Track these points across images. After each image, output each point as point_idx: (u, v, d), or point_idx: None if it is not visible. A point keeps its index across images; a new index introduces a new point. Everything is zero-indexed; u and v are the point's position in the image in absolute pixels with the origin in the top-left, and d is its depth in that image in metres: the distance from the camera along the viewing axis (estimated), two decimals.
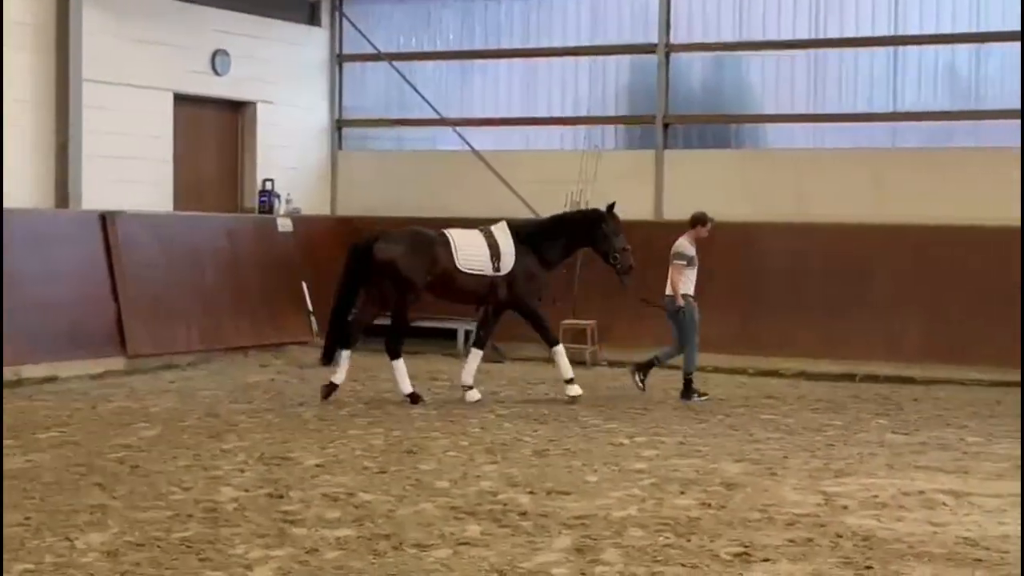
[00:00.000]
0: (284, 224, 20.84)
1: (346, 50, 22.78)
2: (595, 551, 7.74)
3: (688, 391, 15.52)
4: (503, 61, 22.23)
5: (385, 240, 14.93)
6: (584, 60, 21.73)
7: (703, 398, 15.42)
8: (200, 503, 9.10)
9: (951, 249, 18.60)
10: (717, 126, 21.20)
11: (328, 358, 14.97)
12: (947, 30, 19.56)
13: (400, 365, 14.76)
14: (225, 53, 20.47)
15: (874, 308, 18.73)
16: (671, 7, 20.93)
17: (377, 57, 22.36)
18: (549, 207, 20.31)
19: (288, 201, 21.34)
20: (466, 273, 14.90)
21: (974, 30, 19.44)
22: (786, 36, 20.44)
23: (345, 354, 14.73)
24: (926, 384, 17.06)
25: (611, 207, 15.51)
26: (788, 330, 18.78)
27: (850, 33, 20.09)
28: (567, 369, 15.24)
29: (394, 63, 22.29)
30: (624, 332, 19.03)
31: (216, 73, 20.42)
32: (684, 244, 15.76)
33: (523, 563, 7.47)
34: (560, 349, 15.40)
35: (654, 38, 21.04)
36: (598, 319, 19.66)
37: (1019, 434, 12.99)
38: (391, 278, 14.70)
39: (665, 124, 21.03)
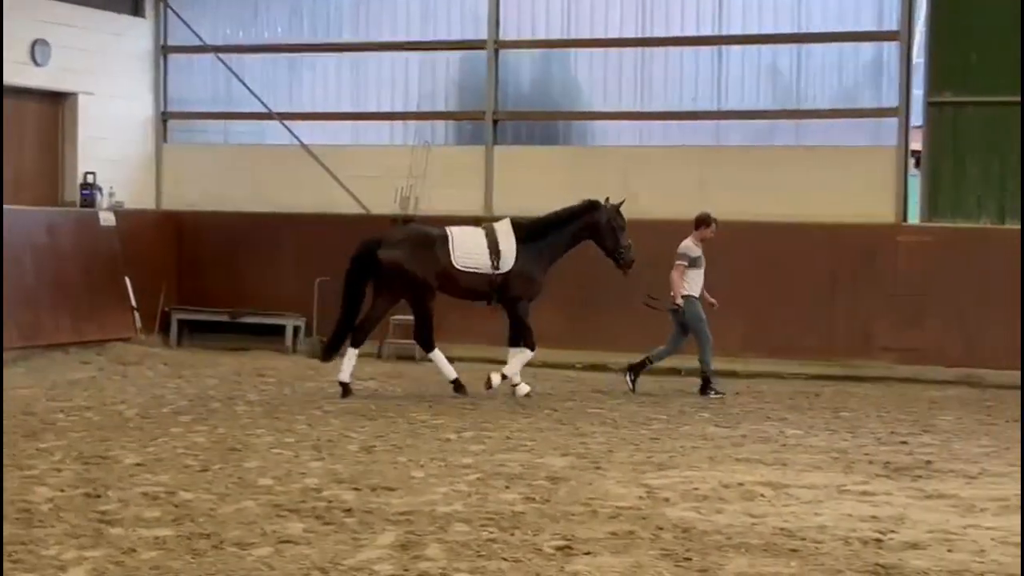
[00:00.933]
0: (106, 218, 20.39)
1: (171, 41, 22.37)
2: (419, 547, 7.71)
3: (706, 387, 15.70)
4: (332, 55, 22.06)
5: (388, 243, 15.21)
6: (414, 55, 21.66)
7: (719, 395, 15.55)
8: (14, 503, 8.84)
9: (773, 245, 18.98)
10: (546, 123, 21.33)
11: (328, 356, 15.35)
12: (769, 30, 19.94)
13: (437, 355, 15.28)
14: (45, 43, 19.95)
15: None
16: (500, 4, 20.99)
17: (203, 49, 22.03)
18: (379, 202, 20.30)
19: (111, 195, 20.89)
20: (463, 271, 15.10)
21: (795, 31, 19.84)
22: (613, 34, 20.64)
23: (353, 352, 15.00)
24: (748, 378, 17.39)
25: (607, 200, 15.62)
26: (616, 325, 18.96)
27: (675, 32, 20.36)
28: (516, 373, 15.36)
29: (221, 56, 21.98)
30: (457, 326, 19.01)
31: (36, 63, 19.89)
32: (688, 245, 15.89)
33: (346, 560, 7.41)
34: (528, 355, 15.37)
35: (483, 34, 21.07)
36: None
37: (837, 426, 13.31)
38: (401, 279, 15.06)
39: (495, 120, 21.08)
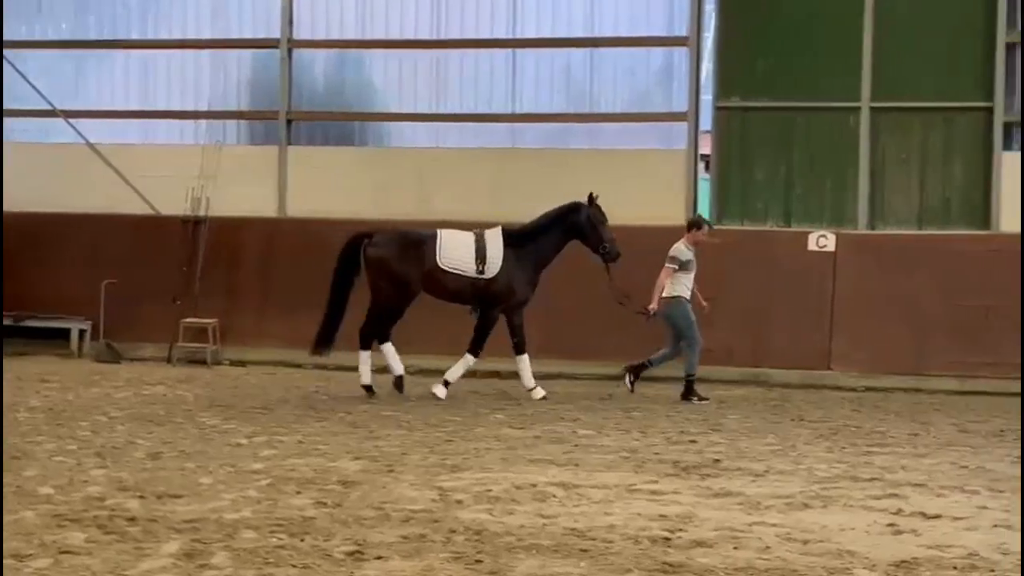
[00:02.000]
0: None
1: None
2: (204, 555, 7.52)
3: (689, 392, 15.63)
4: (119, 52, 21.55)
5: (378, 238, 15.46)
6: (205, 53, 21.30)
7: (703, 401, 15.47)
8: None
9: (569, 248, 19.12)
10: (341, 123, 21.18)
11: (321, 347, 15.53)
12: (563, 34, 20.12)
13: (389, 348, 15.48)
14: None
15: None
16: (293, 3, 20.79)
17: None
18: (169, 202, 19.88)
19: None
20: (447, 272, 15.25)
21: (588, 35, 20.06)
22: (408, 35, 20.62)
23: (388, 347, 15.43)
24: (543, 379, 17.46)
25: (590, 197, 15.75)
26: (413, 326, 18.89)
27: (470, 34, 20.42)
28: (529, 378, 15.69)
29: (2, 51, 21.28)
30: (247, 330, 18.74)
31: None
32: (680, 248, 15.78)
33: (128, 571, 7.18)
34: (526, 358, 15.69)
35: (277, 33, 20.84)
36: (220, 318, 19.31)
37: (628, 426, 13.46)
38: (385, 276, 15.28)
39: (288, 120, 20.85)
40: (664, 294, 15.65)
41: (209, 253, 19.17)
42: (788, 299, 18.55)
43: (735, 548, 7.79)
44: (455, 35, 20.51)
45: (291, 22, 20.80)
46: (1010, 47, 18.53)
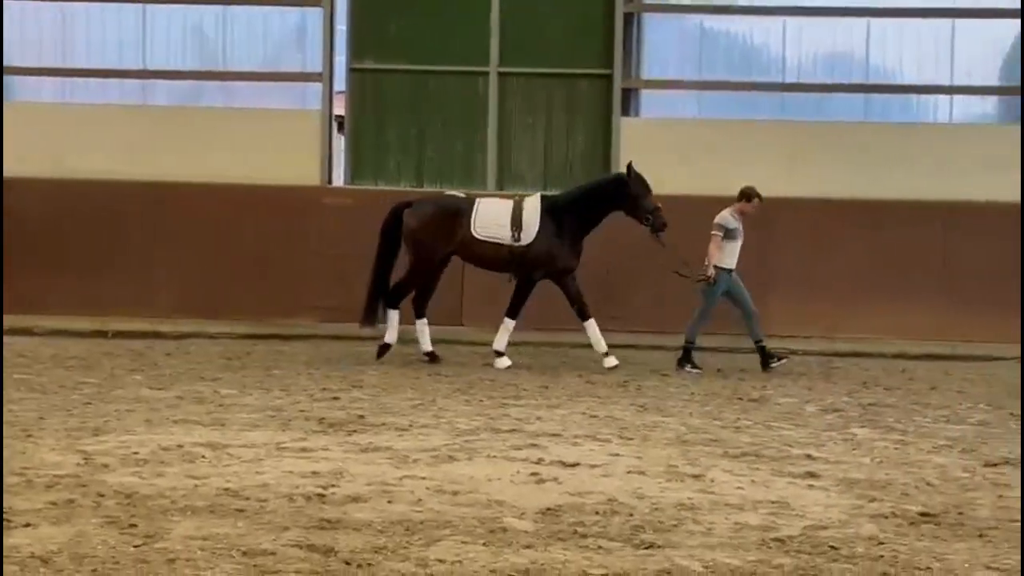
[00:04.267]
0: None
1: None
2: None
3: (686, 358, 15.15)
4: None
5: (416, 206, 15.35)
6: None
7: (695, 370, 15.01)
8: None
9: (204, 205, 18.75)
10: None
11: (368, 321, 15.36)
12: None
13: (395, 317, 15.33)
14: None
15: (129, 265, 18.54)
16: None
17: None
18: None
19: None
20: (482, 240, 15.00)
21: None
22: None
23: (394, 314, 15.22)
24: (177, 339, 17.10)
25: (630, 167, 15.15)
26: (42, 286, 18.18)
27: None
28: (600, 343, 15.23)
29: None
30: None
31: None
32: (725, 216, 15.12)
33: None
34: (593, 323, 15.25)
35: None
36: None
37: (271, 384, 13.32)
38: (413, 243, 15.19)
39: None
40: (707, 262, 15.24)
41: None
42: None
43: (389, 502, 7.83)
44: None
45: None
46: (628, 17, 19.19)
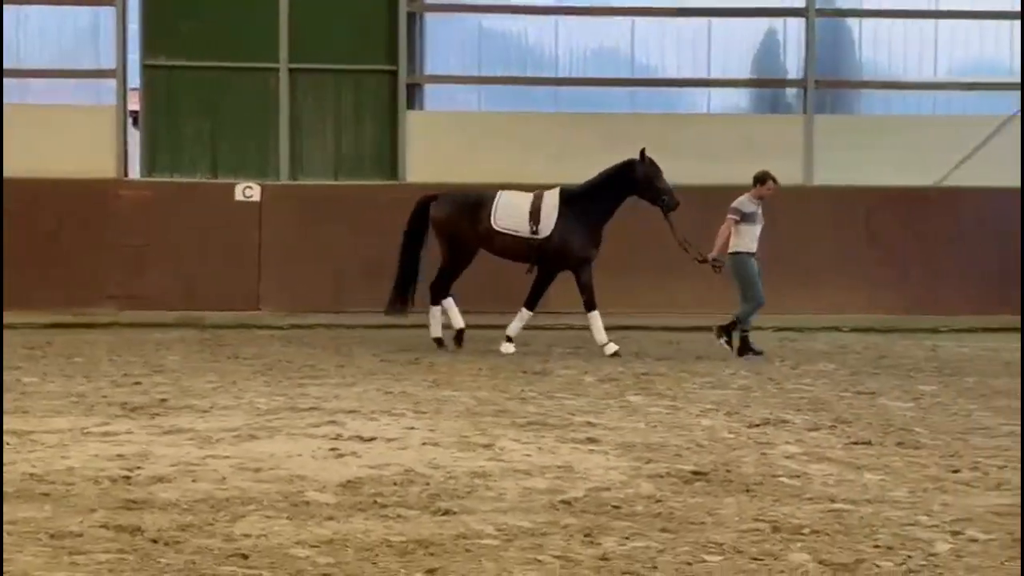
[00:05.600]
0: None
1: None
2: None
3: (745, 347, 14.48)
4: None
5: (440, 200, 15.06)
6: None
7: (757, 354, 14.37)
8: None
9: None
10: None
11: (394, 309, 15.12)
12: None
13: (438, 310, 14.98)
14: None
15: None
16: None
17: None
18: None
19: None
20: (501, 232, 14.65)
21: None
22: None
23: (449, 302, 14.97)
24: None
25: (643, 152, 14.71)
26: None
27: None
28: (601, 334, 14.71)
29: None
30: None
31: None
32: (742, 200, 14.47)
33: None
34: (596, 314, 14.74)
35: None
36: None
37: (72, 371, 12.89)
38: (440, 235, 14.91)
39: None
40: (729, 249, 14.65)
41: None
42: (218, 246, 18.39)
43: (193, 481, 7.65)
44: None
45: None
46: (411, 16, 19.13)
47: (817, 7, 19.25)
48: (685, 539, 6.56)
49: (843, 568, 6.11)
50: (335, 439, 9.10)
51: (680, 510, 7.16)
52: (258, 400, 10.94)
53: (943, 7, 19.40)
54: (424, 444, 8.99)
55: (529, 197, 14.96)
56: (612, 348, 14.63)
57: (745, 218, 14.44)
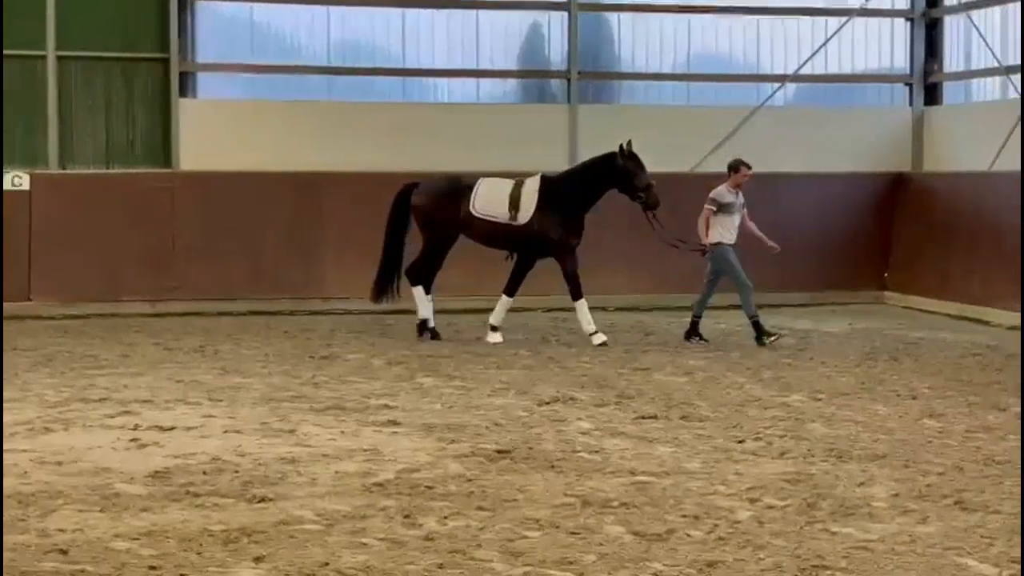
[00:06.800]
0: None
1: None
2: None
3: (760, 333, 13.49)
4: None
5: (421, 187, 14.63)
6: None
7: (772, 338, 13.50)
8: None
9: None
10: None
11: (379, 297, 14.64)
12: None
13: (419, 291, 14.53)
14: None
15: None
16: None
17: None
18: None
19: None
20: (480, 218, 14.15)
21: None
22: None
23: (421, 292, 14.49)
24: None
25: (628, 144, 13.98)
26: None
27: None
28: (588, 322, 14.00)
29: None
30: None
31: None
32: (720, 191, 13.66)
33: None
34: (583, 303, 14.03)
35: None
36: None
37: None
38: (419, 222, 14.44)
39: None
40: (708, 240, 13.83)
41: None
42: None
43: None
44: None
45: None
46: (182, 4, 18.56)
47: (579, 2, 19.51)
48: (503, 516, 6.58)
49: (657, 538, 6.23)
50: (134, 429, 8.82)
51: (492, 488, 7.18)
52: (45, 392, 10.49)
53: (695, 3, 19.91)
54: (226, 432, 8.79)
55: (509, 184, 14.48)
56: (600, 338, 13.94)
57: (722, 208, 13.82)
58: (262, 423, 9.08)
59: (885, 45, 20.19)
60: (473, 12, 19.74)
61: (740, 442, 8.55)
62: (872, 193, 18.62)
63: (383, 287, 14.82)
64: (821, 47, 19.42)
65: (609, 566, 5.80)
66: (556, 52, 19.94)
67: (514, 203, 14.24)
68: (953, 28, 19.61)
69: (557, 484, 7.29)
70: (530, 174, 14.69)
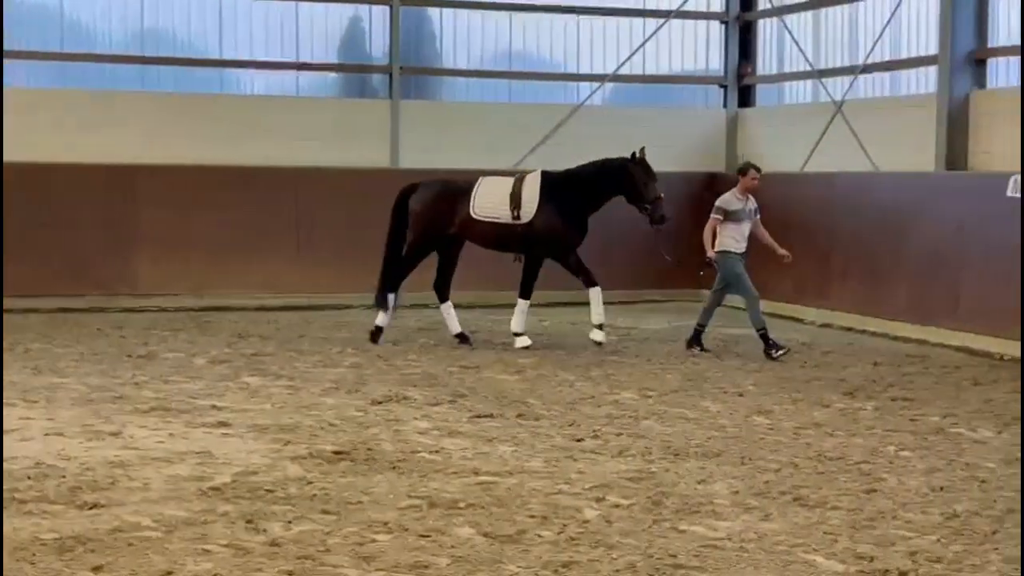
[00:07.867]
0: None
1: None
2: None
3: (768, 346, 12.52)
4: None
5: (420, 189, 13.94)
6: None
7: (781, 351, 12.52)
8: None
9: None
10: None
11: (382, 302, 13.70)
12: None
13: (446, 308, 13.95)
14: None
15: None
16: None
17: None
18: None
19: None
20: (481, 220, 13.50)
21: None
22: None
23: (391, 298, 13.71)
24: None
25: (641, 152, 13.31)
26: None
27: None
28: (598, 314, 13.31)
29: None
30: None
31: None
32: (726, 198, 12.73)
33: None
34: (597, 290, 13.32)
35: None
36: None
37: None
38: (414, 224, 13.79)
39: None
40: (715, 248, 12.89)
41: None
42: None
43: None
44: None
45: None
46: None
47: None
48: (349, 520, 6.42)
49: (508, 539, 6.15)
50: None
51: (334, 491, 7.01)
52: None
53: (517, 1, 19.91)
54: (47, 434, 8.40)
55: (509, 182, 13.84)
56: (600, 335, 13.40)
57: (729, 216, 12.97)
58: (84, 425, 8.70)
59: (701, 47, 20.55)
60: (292, 4, 19.40)
61: (579, 440, 8.54)
62: (687, 193, 18.87)
63: (386, 292, 13.88)
64: (639, 48, 19.64)
65: (464, 570, 5.69)
66: (378, 47, 19.73)
67: (515, 201, 13.65)
68: (766, 32, 20.08)
69: (401, 485, 7.15)
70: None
